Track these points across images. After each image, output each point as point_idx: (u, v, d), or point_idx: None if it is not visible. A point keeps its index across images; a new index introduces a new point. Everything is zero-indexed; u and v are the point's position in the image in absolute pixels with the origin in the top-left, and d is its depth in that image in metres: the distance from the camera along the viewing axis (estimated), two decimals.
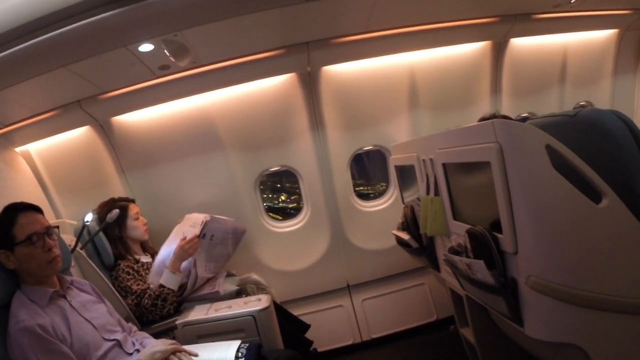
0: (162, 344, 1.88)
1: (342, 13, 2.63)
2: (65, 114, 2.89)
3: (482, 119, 2.55)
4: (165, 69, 2.67)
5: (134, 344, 1.99)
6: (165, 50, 2.36)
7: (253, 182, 3.42)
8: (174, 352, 1.85)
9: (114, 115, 3.06)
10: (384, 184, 3.84)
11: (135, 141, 3.17)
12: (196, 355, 1.92)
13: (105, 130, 3.10)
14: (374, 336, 3.46)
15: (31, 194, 2.92)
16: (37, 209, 1.86)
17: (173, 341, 1.94)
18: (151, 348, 1.86)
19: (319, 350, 3.19)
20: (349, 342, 3.44)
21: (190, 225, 2.78)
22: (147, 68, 2.60)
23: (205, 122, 3.18)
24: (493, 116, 2.51)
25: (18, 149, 3.07)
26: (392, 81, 3.34)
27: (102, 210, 2.81)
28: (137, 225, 2.86)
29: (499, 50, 3.42)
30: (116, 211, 2.70)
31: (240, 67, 2.88)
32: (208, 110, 3.16)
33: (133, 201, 2.96)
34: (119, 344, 1.88)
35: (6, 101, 2.62)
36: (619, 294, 1.40)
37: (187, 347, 1.95)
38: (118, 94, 2.85)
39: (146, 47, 2.34)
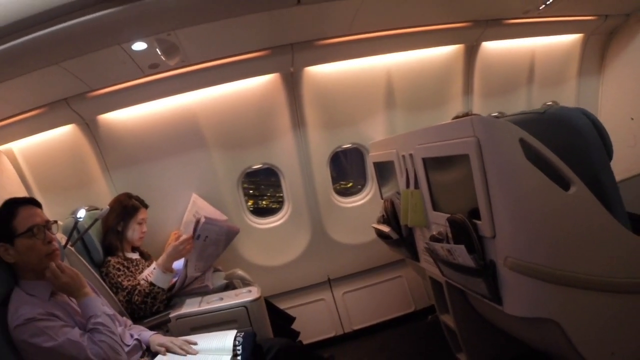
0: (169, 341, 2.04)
1: (326, 17, 2.73)
2: (52, 112, 2.89)
3: (456, 118, 2.71)
4: (154, 67, 2.73)
5: (132, 336, 2.06)
6: (157, 49, 2.42)
7: (236, 180, 3.50)
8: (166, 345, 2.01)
9: (101, 114, 3.08)
10: (342, 182, 3.97)
11: (120, 139, 3.20)
12: (195, 344, 2.04)
13: (90, 128, 3.12)
14: (356, 328, 3.58)
15: (14, 193, 2.86)
16: (36, 203, 1.91)
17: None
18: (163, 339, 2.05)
19: (304, 342, 3.28)
20: (332, 334, 3.56)
21: (193, 214, 2.85)
22: (137, 66, 2.65)
23: (189, 120, 3.24)
24: (466, 115, 2.66)
25: (1, 148, 3.05)
26: (370, 82, 3.48)
27: (116, 204, 2.88)
28: (137, 230, 2.90)
29: (471, 53, 3.59)
30: (107, 208, 2.75)
31: (226, 66, 2.95)
32: (192, 109, 3.22)
33: (146, 207, 3.00)
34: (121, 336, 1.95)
35: None
36: (590, 272, 1.55)
37: (186, 337, 2.08)
38: (106, 92, 2.88)
39: (139, 46, 2.39)
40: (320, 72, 3.30)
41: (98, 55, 2.40)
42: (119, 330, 1.96)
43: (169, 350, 2.00)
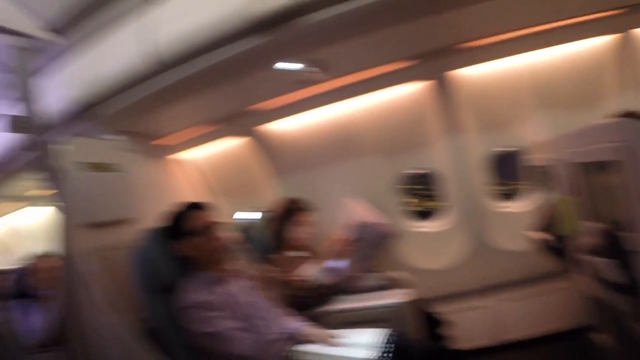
0: (320, 333, 2.19)
1: (470, 20, 2.70)
2: (221, 126, 3.34)
3: (615, 116, 2.48)
4: (307, 83, 2.92)
5: (285, 326, 2.24)
6: (309, 67, 2.65)
7: (393, 185, 3.64)
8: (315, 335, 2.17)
9: (263, 126, 3.44)
10: (509, 184, 3.82)
11: (284, 149, 3.55)
12: (343, 338, 2.16)
13: (256, 139, 3.50)
14: (510, 338, 3.45)
15: (194, 197, 3.25)
16: (209, 207, 2.28)
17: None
18: (315, 331, 2.21)
19: (454, 348, 3.26)
20: (484, 343, 3.46)
21: (348, 221, 3.08)
22: (293, 83, 2.88)
23: (347, 129, 3.46)
24: (627, 114, 2.42)
25: (176, 157, 3.63)
26: (520, 82, 3.33)
27: (279, 208, 3.18)
28: (298, 231, 3.11)
29: (624, 43, 3.20)
30: (274, 211, 3.11)
31: (376, 77, 3.10)
32: (350, 117, 3.42)
33: (312, 210, 3.22)
34: (273, 325, 2.18)
35: (167, 115, 3.14)
36: None
37: (335, 331, 2.21)
38: (267, 107, 3.23)
39: (292, 66, 2.63)
40: (471, 75, 3.27)
41: (256, 76, 2.71)
42: (274, 322, 2.19)
43: (317, 341, 2.15)
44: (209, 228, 2.18)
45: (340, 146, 3.51)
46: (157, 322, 2.17)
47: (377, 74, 3.10)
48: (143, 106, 2.85)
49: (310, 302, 2.74)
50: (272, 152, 3.57)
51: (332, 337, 2.17)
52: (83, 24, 2.93)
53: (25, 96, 2.71)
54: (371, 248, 2.95)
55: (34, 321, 3.10)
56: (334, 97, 3.26)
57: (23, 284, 3.34)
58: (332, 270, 2.89)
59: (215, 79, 2.67)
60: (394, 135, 3.48)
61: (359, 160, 3.54)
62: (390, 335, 2.16)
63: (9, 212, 5.72)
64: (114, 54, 2.71)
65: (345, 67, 2.92)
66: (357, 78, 3.10)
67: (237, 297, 2.18)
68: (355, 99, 3.32)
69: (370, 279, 3.02)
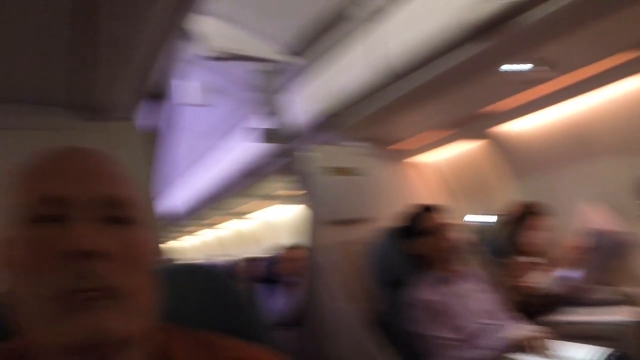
0: (538, 343, 2.09)
1: None
2: (455, 130, 3.44)
3: None
4: (536, 82, 2.85)
5: (505, 333, 2.20)
6: (536, 65, 2.59)
7: (634, 189, 3.25)
8: (534, 338, 2.08)
9: (498, 128, 3.43)
10: None
11: (519, 151, 3.50)
12: (556, 349, 2.05)
13: (491, 141, 3.51)
14: None
15: (424, 199, 3.34)
16: (440, 209, 2.41)
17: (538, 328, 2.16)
18: (518, 328, 2.16)
19: None
20: None
21: (584, 228, 2.93)
22: (521, 84, 2.84)
23: (582, 128, 3.24)
24: None
25: (413, 160, 3.82)
26: None
27: (514, 211, 3.16)
28: (532, 236, 3.03)
29: None
30: (502, 215, 3.14)
31: (609, 70, 2.82)
32: (584, 115, 3.20)
33: (548, 215, 3.13)
34: (493, 330, 2.18)
35: (402, 122, 3.33)
36: None
37: (553, 342, 2.10)
38: (499, 109, 3.22)
39: (519, 67, 2.59)
40: None
41: (485, 79, 2.72)
42: (495, 327, 2.18)
43: (533, 351, 2.07)
44: (440, 229, 2.31)
45: (575, 146, 3.28)
46: (386, 314, 2.39)
47: (609, 67, 2.81)
48: (379, 114, 3.08)
49: (536, 310, 2.67)
50: (507, 153, 3.54)
51: (549, 348, 2.08)
52: (317, 44, 3.32)
53: (273, 111, 3.25)
54: (608, 258, 2.71)
55: (278, 303, 3.66)
56: (566, 94, 3.07)
57: (272, 271, 3.98)
58: (563, 279, 2.77)
59: (446, 84, 2.76)
60: (634, 132, 3.09)
61: (596, 161, 3.23)
62: (610, 355, 1.99)
63: (261, 209, 6.83)
64: (349, 68, 3.01)
65: (573, 62, 2.74)
66: (588, 73, 2.86)
67: (462, 299, 2.25)
68: (588, 94, 3.07)
69: (603, 292, 2.79)
